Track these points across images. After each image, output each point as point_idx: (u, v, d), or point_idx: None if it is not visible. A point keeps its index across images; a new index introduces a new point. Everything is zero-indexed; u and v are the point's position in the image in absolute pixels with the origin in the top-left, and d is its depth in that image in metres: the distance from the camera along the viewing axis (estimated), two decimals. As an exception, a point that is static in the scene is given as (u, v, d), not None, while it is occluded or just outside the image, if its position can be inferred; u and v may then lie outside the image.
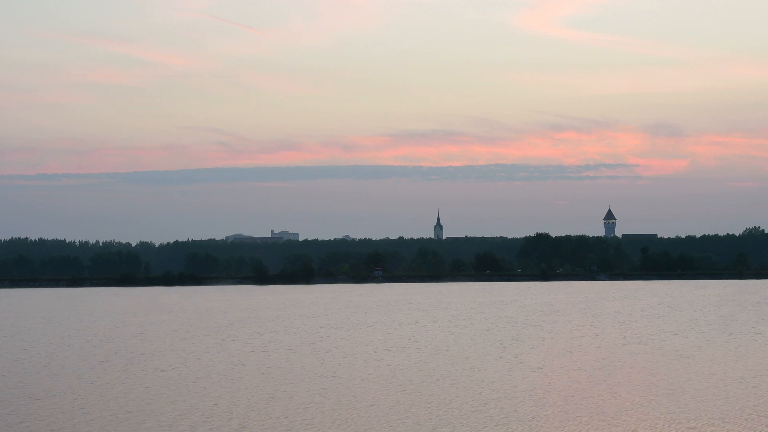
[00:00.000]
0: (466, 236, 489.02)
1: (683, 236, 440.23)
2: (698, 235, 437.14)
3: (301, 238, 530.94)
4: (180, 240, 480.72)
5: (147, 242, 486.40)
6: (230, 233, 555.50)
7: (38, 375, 62.74)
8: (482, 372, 60.97)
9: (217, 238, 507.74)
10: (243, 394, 51.81)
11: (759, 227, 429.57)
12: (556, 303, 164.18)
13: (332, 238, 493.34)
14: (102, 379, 59.90)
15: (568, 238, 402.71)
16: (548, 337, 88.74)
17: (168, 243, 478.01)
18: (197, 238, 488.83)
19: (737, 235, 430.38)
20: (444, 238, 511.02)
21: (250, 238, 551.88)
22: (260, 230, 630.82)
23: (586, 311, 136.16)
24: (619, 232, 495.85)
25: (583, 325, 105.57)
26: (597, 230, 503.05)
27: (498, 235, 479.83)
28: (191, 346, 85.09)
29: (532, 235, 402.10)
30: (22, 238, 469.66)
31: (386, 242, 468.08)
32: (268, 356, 73.61)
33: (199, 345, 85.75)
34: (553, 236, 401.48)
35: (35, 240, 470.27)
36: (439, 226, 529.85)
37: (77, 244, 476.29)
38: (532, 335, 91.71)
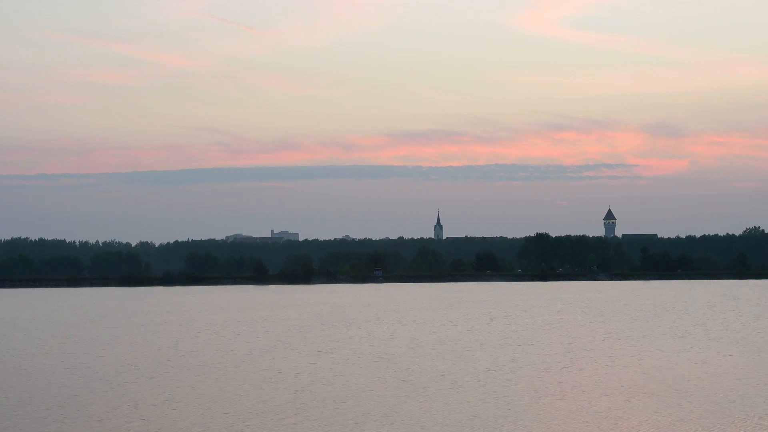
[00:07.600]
0: (466, 236, 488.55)
1: (683, 236, 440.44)
2: (698, 235, 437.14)
3: (301, 238, 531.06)
4: (180, 240, 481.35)
5: (147, 242, 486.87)
6: (230, 233, 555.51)
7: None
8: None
9: (217, 238, 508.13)
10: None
11: (759, 227, 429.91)
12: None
13: (332, 238, 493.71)
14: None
15: (568, 238, 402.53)
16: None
17: (168, 243, 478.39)
18: (197, 238, 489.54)
19: (737, 235, 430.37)
20: (444, 238, 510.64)
21: (250, 238, 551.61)
22: (260, 230, 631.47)
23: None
24: (619, 232, 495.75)
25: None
26: (597, 230, 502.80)
27: (498, 235, 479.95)
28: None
29: (532, 235, 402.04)
30: (22, 238, 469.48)
31: (386, 242, 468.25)
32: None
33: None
34: (553, 236, 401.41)
35: (35, 240, 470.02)
36: (439, 226, 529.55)
37: (77, 244, 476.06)
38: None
